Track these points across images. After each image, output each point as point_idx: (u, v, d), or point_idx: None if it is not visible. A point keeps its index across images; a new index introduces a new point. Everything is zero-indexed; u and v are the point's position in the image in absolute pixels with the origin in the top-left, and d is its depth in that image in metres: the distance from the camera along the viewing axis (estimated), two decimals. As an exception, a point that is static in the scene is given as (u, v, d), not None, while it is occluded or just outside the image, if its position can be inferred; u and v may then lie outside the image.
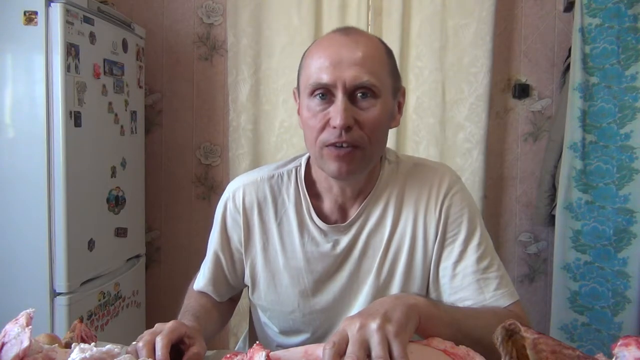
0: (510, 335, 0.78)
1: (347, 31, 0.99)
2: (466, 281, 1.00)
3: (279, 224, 1.08)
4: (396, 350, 0.68)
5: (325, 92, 0.95)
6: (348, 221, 1.05)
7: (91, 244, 2.05)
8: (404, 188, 1.07)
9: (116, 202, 2.22)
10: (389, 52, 1.02)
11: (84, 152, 1.99)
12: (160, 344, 0.82)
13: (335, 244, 1.05)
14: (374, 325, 0.68)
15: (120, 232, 2.25)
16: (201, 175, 2.71)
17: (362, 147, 0.96)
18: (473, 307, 0.98)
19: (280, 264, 1.07)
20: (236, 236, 1.10)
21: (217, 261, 1.13)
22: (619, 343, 0.65)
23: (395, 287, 1.05)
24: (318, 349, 0.69)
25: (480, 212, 2.41)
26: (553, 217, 2.39)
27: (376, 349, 0.67)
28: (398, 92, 1.03)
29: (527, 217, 2.61)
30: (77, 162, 1.95)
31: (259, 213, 1.09)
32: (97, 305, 2.07)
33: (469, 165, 2.46)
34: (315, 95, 0.96)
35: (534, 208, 2.56)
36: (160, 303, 2.71)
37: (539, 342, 0.75)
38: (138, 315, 2.46)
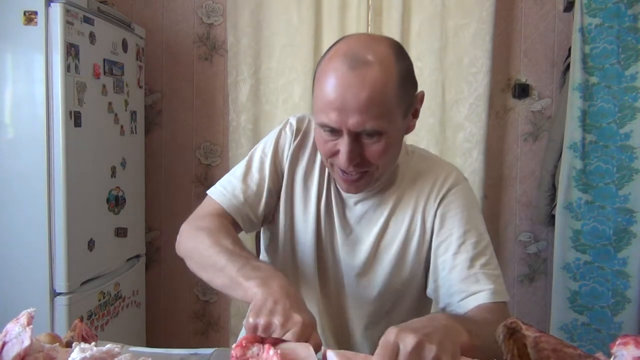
0: (512, 333, 0.78)
1: (354, 62, 0.93)
2: (464, 274, 1.03)
3: (309, 167, 1.13)
4: None
5: (332, 130, 0.97)
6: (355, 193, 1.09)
7: (91, 244, 2.05)
8: (411, 177, 1.12)
9: (116, 202, 2.22)
10: (400, 73, 0.96)
11: (83, 152, 1.99)
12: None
13: (340, 202, 1.12)
14: (430, 351, 0.65)
15: (120, 232, 2.25)
16: (201, 175, 2.71)
17: (370, 172, 1.02)
18: (482, 317, 0.97)
19: (300, 208, 1.13)
20: (287, 148, 1.13)
21: (261, 169, 1.12)
22: (617, 342, 0.65)
23: (386, 268, 1.10)
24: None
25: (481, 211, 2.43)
26: (553, 217, 2.39)
27: None
28: (412, 107, 1.04)
29: (527, 217, 2.61)
30: (77, 162, 1.95)
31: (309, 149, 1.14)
32: (97, 305, 2.07)
33: (468, 165, 2.46)
34: (324, 129, 0.99)
35: (533, 208, 2.56)
36: (160, 303, 2.71)
37: (540, 341, 0.75)
38: (138, 315, 2.46)
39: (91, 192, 2.06)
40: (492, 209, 2.61)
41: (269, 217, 1.16)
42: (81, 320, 0.96)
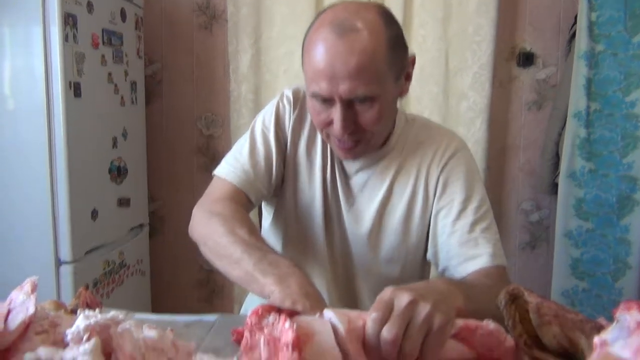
0: (514, 299, 0.79)
1: (342, 30, 0.92)
2: (464, 238, 1.04)
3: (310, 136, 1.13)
4: (432, 345, 0.65)
5: (324, 99, 0.97)
6: (358, 160, 1.10)
7: (94, 214, 2.06)
8: (413, 143, 1.13)
9: (118, 173, 2.22)
10: (390, 38, 0.95)
11: (84, 123, 1.98)
12: None
13: (342, 169, 1.12)
14: (424, 308, 0.65)
15: (123, 202, 2.26)
16: (203, 146, 2.70)
17: (366, 139, 1.02)
18: (480, 282, 0.99)
19: (305, 174, 1.13)
20: (287, 119, 1.12)
21: (265, 142, 1.12)
22: (620, 307, 0.65)
23: (392, 236, 1.11)
24: (359, 321, 0.66)
25: (483, 180, 2.42)
26: (556, 185, 2.39)
27: (414, 336, 0.64)
28: (404, 71, 1.03)
29: (529, 186, 2.61)
30: (78, 133, 1.94)
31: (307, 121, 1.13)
32: (102, 274, 2.09)
33: (472, 135, 2.44)
34: (316, 99, 0.98)
35: (537, 176, 2.56)
36: (164, 271, 2.74)
37: (542, 306, 0.76)
38: (143, 283, 2.49)
39: (93, 162, 2.06)
40: (494, 178, 2.60)
41: (277, 190, 1.16)
42: (86, 288, 0.97)
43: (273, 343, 0.64)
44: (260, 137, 1.13)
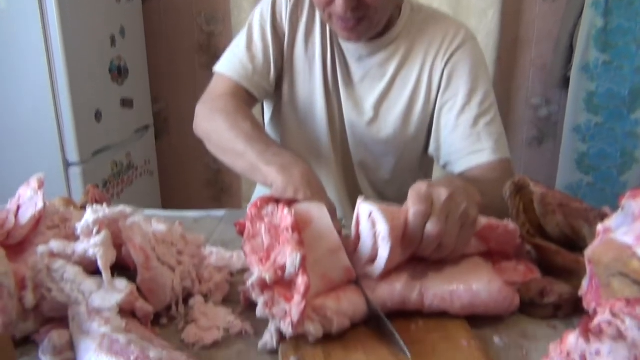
0: (519, 190, 0.79)
1: None
2: (467, 132, 1.03)
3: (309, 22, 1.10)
4: (464, 238, 0.67)
5: None
6: (360, 43, 1.07)
7: (98, 115, 2.05)
8: (418, 34, 1.08)
9: (119, 72, 2.18)
10: None
11: (79, 20, 1.91)
12: None
13: (343, 58, 1.09)
14: (461, 204, 0.66)
15: (126, 103, 2.24)
16: (204, 43, 2.62)
17: (369, 16, 0.98)
18: (485, 177, 0.99)
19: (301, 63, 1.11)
20: (284, 9, 1.09)
21: (263, 35, 1.09)
22: (627, 195, 0.65)
23: (390, 127, 1.10)
24: (399, 218, 0.65)
25: (492, 75, 2.35)
26: (567, 79, 2.34)
27: (453, 229, 0.65)
28: None
29: (540, 81, 2.54)
30: (74, 31, 1.88)
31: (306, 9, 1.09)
32: (111, 175, 2.12)
33: (483, 27, 2.34)
34: None
35: (548, 71, 2.49)
36: (172, 172, 2.77)
37: (547, 196, 0.76)
38: (152, 183, 2.53)
39: (92, 62, 2.02)
40: (504, 72, 2.53)
41: (278, 82, 1.14)
42: (94, 186, 0.98)
43: (274, 230, 0.66)
44: (258, 31, 1.10)
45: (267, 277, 0.60)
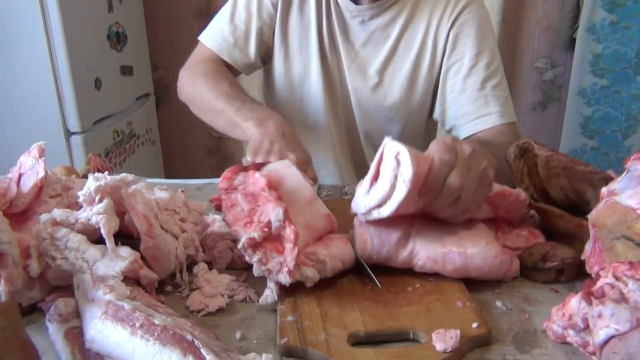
0: (523, 153, 0.78)
1: None
2: (474, 96, 1.02)
3: None
4: (480, 197, 0.66)
5: None
6: (362, 5, 1.05)
7: (98, 83, 2.03)
8: None
9: (117, 39, 2.15)
10: None
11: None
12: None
13: (342, 26, 1.08)
14: (482, 162, 0.65)
15: (126, 71, 2.22)
16: (203, 7, 2.57)
17: None
18: (496, 140, 0.97)
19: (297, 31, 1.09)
20: None
21: (248, 6, 1.08)
22: (632, 157, 0.64)
23: (396, 92, 1.08)
24: (424, 166, 0.63)
25: (497, 37, 2.31)
26: (573, 40, 2.30)
27: (471, 184, 0.64)
28: None
29: (545, 42, 2.50)
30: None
31: None
32: (113, 144, 2.11)
33: (487, -13, 2.29)
34: None
35: (554, 31, 2.44)
36: (174, 140, 2.76)
37: (552, 159, 0.75)
38: (154, 152, 2.53)
39: (90, 28, 1.99)
40: (509, 34, 2.48)
41: (267, 55, 1.12)
42: (96, 155, 0.98)
43: (250, 195, 0.67)
44: (242, 1, 1.09)
45: (256, 235, 0.62)
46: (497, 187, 0.71)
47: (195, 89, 1.04)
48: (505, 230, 0.74)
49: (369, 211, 0.66)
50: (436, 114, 1.10)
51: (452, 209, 0.65)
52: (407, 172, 0.61)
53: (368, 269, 0.66)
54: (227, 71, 1.08)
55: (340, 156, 1.18)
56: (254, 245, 0.62)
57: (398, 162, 0.62)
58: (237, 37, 1.08)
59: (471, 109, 1.02)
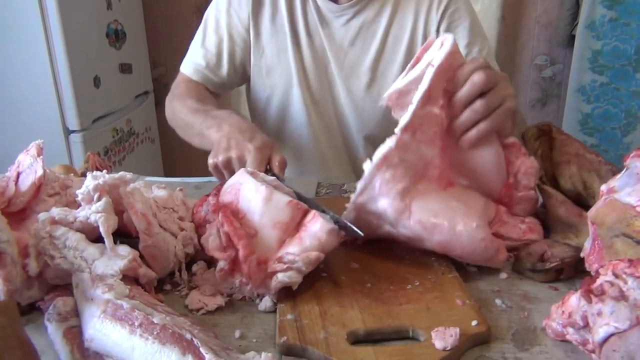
0: (540, 135, 0.78)
1: None
2: None
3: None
4: (495, 119, 0.70)
5: None
6: (342, 5, 1.05)
7: (97, 81, 2.02)
8: None
9: (116, 37, 2.14)
10: None
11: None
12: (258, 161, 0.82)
13: (325, 27, 1.07)
14: (508, 89, 0.71)
15: (125, 68, 2.21)
16: (202, 5, 2.56)
17: None
18: None
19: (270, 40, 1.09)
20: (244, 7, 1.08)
21: (217, 29, 1.10)
22: (631, 154, 0.64)
23: (387, 88, 1.06)
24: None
25: (496, 34, 2.31)
26: (573, 37, 2.30)
27: (490, 97, 0.69)
28: None
29: (545, 39, 2.49)
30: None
31: None
32: (112, 142, 2.11)
33: (487, -16, 2.29)
34: None
35: (553, 28, 2.44)
36: (174, 138, 2.74)
37: (566, 144, 0.75)
38: (153, 151, 2.52)
39: (88, 26, 1.98)
40: (508, 31, 2.48)
41: (246, 74, 1.13)
42: (95, 153, 0.98)
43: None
44: (212, 24, 1.10)
45: (223, 265, 0.63)
46: (512, 138, 0.73)
47: (173, 111, 1.08)
48: (504, 218, 0.75)
49: (400, 93, 0.70)
50: None
51: (472, 113, 0.69)
52: (439, 56, 0.66)
53: (350, 225, 0.67)
54: (199, 88, 1.10)
55: (334, 161, 1.17)
56: (228, 273, 0.64)
57: (440, 47, 0.67)
58: (208, 60, 1.10)
59: None
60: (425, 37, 1.05)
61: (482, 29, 1.09)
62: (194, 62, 1.12)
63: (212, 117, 0.94)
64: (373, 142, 1.16)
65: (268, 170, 0.82)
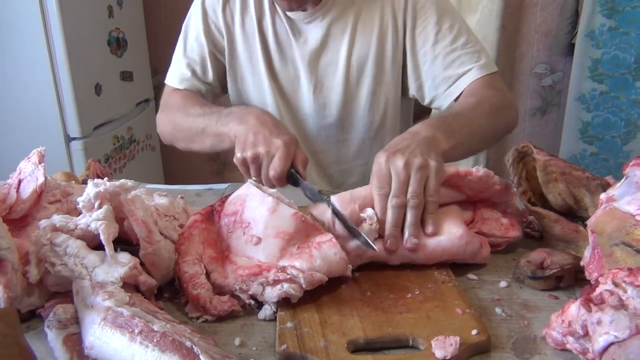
0: (522, 157, 0.78)
1: None
2: (448, 59, 1.02)
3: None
4: (433, 187, 0.72)
5: None
6: (308, 10, 1.04)
7: (98, 89, 2.03)
8: None
9: (118, 45, 2.15)
10: None
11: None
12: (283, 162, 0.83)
13: (296, 34, 1.07)
14: (417, 161, 0.71)
15: (126, 76, 2.22)
16: (203, 13, 2.57)
17: None
18: (465, 108, 0.96)
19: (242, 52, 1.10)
20: (218, 6, 1.09)
21: (197, 38, 1.11)
22: (631, 163, 0.64)
23: (366, 82, 1.08)
24: (363, 191, 0.73)
25: (496, 43, 2.31)
26: (572, 46, 2.30)
27: (414, 186, 0.71)
28: None
29: (544, 48, 2.50)
30: (71, 1, 1.85)
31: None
32: (113, 149, 2.12)
33: (487, -7, 2.29)
34: None
35: (553, 37, 2.45)
36: (175, 147, 2.75)
37: (550, 164, 0.75)
38: (154, 158, 2.52)
39: (90, 34, 1.99)
40: (508, 40, 2.49)
41: (225, 80, 1.14)
42: (96, 160, 0.98)
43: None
44: (192, 34, 1.11)
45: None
46: (451, 169, 0.75)
47: (172, 124, 1.07)
48: (485, 215, 0.77)
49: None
50: (412, 91, 1.09)
51: (416, 213, 0.70)
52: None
53: (364, 236, 0.69)
54: (193, 95, 1.10)
55: (314, 168, 1.16)
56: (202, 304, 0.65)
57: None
58: (193, 68, 1.11)
59: (448, 73, 1.02)
60: (394, 22, 1.04)
61: (452, 7, 1.08)
62: (179, 72, 1.12)
63: (227, 115, 0.94)
64: (359, 135, 1.14)
65: (291, 167, 0.84)
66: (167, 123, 1.10)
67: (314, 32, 1.06)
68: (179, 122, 1.05)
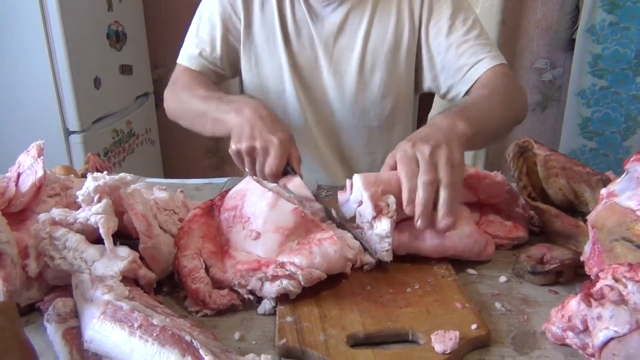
0: (522, 152, 0.78)
1: None
2: (461, 49, 1.05)
3: None
4: (457, 179, 0.70)
5: None
6: None
7: (97, 82, 2.02)
8: None
9: (117, 38, 2.14)
10: None
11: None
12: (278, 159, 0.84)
13: (314, 18, 1.08)
14: (444, 153, 0.70)
15: (126, 70, 2.21)
16: (202, 7, 2.57)
17: None
18: (480, 99, 0.98)
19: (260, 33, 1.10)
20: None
21: (210, 19, 1.11)
22: (632, 158, 0.64)
23: (379, 71, 1.09)
24: (387, 176, 0.72)
25: (497, 39, 2.30)
26: (573, 41, 2.30)
27: (445, 168, 0.70)
28: None
29: (545, 43, 2.49)
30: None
31: None
32: (112, 143, 2.11)
33: (487, -12, 2.29)
34: None
35: (553, 32, 2.44)
36: (174, 140, 2.75)
37: (550, 159, 0.75)
38: (153, 152, 2.52)
39: (89, 27, 1.98)
40: (508, 35, 2.48)
41: (237, 64, 1.14)
42: (95, 154, 0.98)
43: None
44: (206, 13, 1.12)
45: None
46: (471, 170, 0.74)
47: (177, 102, 1.09)
48: (491, 218, 0.78)
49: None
50: (427, 84, 1.12)
51: (451, 190, 0.69)
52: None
53: (369, 249, 0.69)
54: (202, 77, 1.11)
55: (331, 159, 1.17)
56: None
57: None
58: (203, 48, 1.12)
59: (462, 61, 1.04)
60: (411, 12, 1.07)
61: (468, 2, 1.10)
62: (188, 51, 1.14)
63: (227, 102, 0.95)
64: (369, 123, 1.15)
65: (286, 165, 0.84)
66: (172, 101, 1.11)
67: (332, 16, 1.08)
68: (183, 101, 1.06)
